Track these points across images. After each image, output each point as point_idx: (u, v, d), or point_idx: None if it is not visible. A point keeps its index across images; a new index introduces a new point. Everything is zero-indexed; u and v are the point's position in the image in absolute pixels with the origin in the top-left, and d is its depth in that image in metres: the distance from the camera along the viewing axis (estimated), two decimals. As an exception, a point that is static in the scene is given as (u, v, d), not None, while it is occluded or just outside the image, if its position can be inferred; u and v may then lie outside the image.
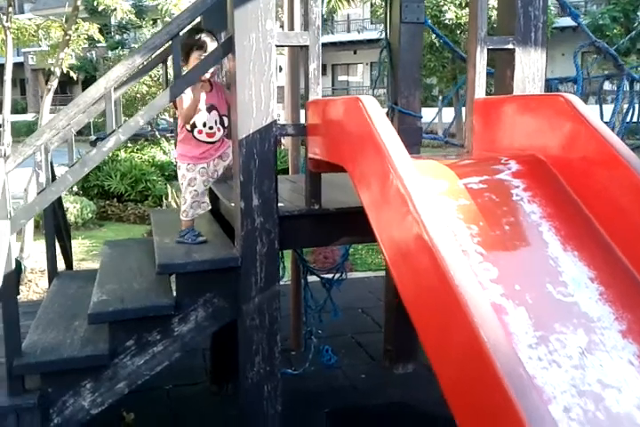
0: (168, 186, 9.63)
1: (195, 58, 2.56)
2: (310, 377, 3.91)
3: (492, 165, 1.99)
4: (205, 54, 2.48)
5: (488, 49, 2.41)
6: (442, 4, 13.87)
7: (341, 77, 30.65)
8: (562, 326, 1.52)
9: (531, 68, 2.48)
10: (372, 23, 26.31)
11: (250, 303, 2.56)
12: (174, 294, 2.57)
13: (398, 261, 1.59)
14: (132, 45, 14.21)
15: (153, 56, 2.53)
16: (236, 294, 2.56)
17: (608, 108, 4.28)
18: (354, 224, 2.60)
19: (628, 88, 3.09)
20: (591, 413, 1.35)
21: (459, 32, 13.91)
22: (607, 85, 4.49)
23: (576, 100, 1.89)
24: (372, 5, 21.00)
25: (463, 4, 14.09)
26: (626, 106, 3.38)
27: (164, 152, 13.14)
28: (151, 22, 14.09)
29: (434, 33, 3.61)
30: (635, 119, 3.79)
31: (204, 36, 2.57)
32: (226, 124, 2.71)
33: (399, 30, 3.12)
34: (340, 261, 4.40)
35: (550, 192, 1.89)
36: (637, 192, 1.66)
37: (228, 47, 2.27)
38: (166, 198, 8.93)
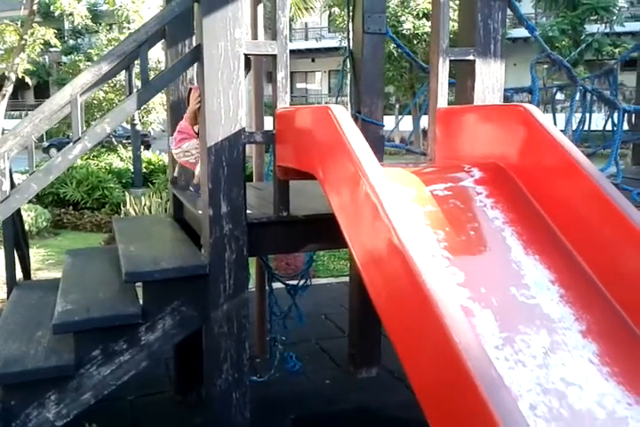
0: (126, 193, 9.48)
1: None
2: (275, 384, 3.90)
3: (456, 173, 2.05)
4: None
5: (450, 60, 2.49)
6: (400, 14, 14.12)
7: (300, 85, 30.76)
8: (526, 327, 1.59)
9: (490, 78, 2.57)
10: (329, 31, 26.52)
11: (218, 311, 2.55)
12: (140, 302, 2.55)
13: (370, 265, 1.63)
14: (88, 50, 13.96)
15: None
16: (204, 302, 2.56)
17: (559, 117, 4.44)
18: (322, 231, 2.65)
19: (580, 98, 3.23)
20: (555, 409, 1.41)
21: (416, 42, 14.18)
22: (559, 95, 4.67)
23: (535, 110, 1.98)
24: (330, 14, 21.19)
25: (420, 15, 14.37)
26: (578, 115, 3.53)
27: (122, 159, 12.93)
28: (108, 27, 13.88)
29: (395, 43, 3.70)
30: (586, 128, 3.96)
31: None
32: None
33: (362, 40, 3.18)
34: (304, 267, 4.42)
35: (511, 198, 1.96)
36: (594, 198, 1.75)
37: (195, 55, 2.28)
38: (124, 206, 8.78)
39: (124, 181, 11.20)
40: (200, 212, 2.65)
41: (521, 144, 2.03)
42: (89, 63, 13.13)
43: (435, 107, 2.49)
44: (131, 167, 11.76)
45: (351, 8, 3.26)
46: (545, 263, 1.75)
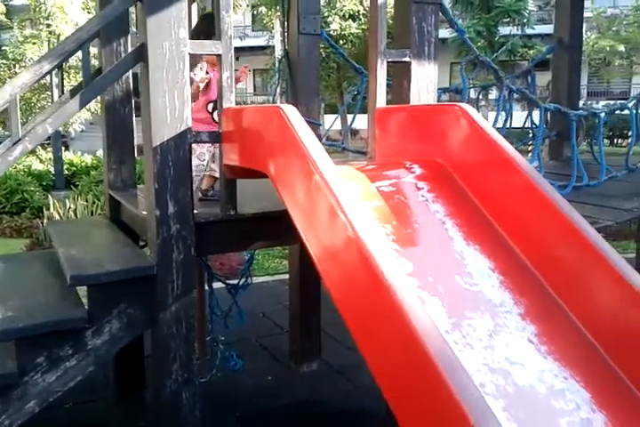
0: (49, 196, 9.10)
1: None
2: (218, 383, 3.90)
3: (399, 170, 2.16)
4: None
5: (387, 61, 2.60)
6: (327, 15, 14.30)
7: (223, 83, 30.37)
8: (471, 312, 1.71)
9: (425, 79, 2.70)
10: (253, 30, 26.40)
11: (167, 312, 2.55)
12: (85, 306, 2.51)
13: (326, 258, 1.69)
14: (2, 48, 13.25)
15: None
16: (151, 303, 2.54)
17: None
18: (269, 228, 2.70)
19: (506, 98, 3.44)
20: (502, 387, 1.54)
21: (342, 43, 14.40)
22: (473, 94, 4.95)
23: (470, 109, 2.12)
24: (253, 14, 21.11)
25: (347, 16, 14.60)
26: (503, 113, 3.75)
27: (41, 160, 12.38)
28: (23, 23, 13.23)
29: (329, 44, 3.79)
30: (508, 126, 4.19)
31: None
32: None
33: (297, 41, 3.25)
34: (245, 265, 4.44)
35: (451, 193, 2.09)
36: (527, 191, 1.90)
37: (139, 55, 2.27)
38: (47, 209, 8.44)
39: (44, 183, 10.73)
40: (145, 212, 2.63)
41: (458, 141, 2.16)
42: (4, 61, 12.49)
43: (374, 107, 2.59)
44: (51, 169, 11.30)
45: (285, 8, 3.32)
46: (485, 252, 1.89)
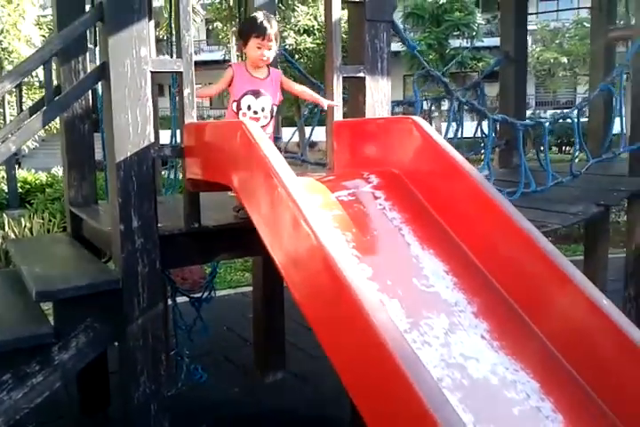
0: (3, 215, 8.90)
1: (253, 44, 2.57)
2: (184, 397, 3.92)
3: (357, 180, 2.27)
4: (264, 42, 2.55)
5: (342, 77, 2.72)
6: (282, 30, 14.55)
7: (180, 98, 30.21)
8: (428, 312, 1.82)
9: (379, 93, 2.83)
10: (208, 44, 26.43)
11: (133, 325, 2.57)
12: (50, 322, 2.52)
13: (291, 266, 1.77)
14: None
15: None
16: (117, 317, 2.57)
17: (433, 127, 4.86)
18: (232, 240, 2.76)
19: (457, 109, 3.61)
20: (458, 380, 1.64)
21: (298, 57, 14.63)
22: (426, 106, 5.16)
23: (422, 122, 2.25)
24: (208, 29, 21.15)
25: (301, 31, 14.85)
26: (454, 124, 3.93)
27: (-7, 177, 12.08)
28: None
29: (286, 60, 3.90)
30: (460, 135, 4.37)
31: (264, 22, 2.57)
32: (273, 114, 2.71)
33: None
34: (209, 278, 4.48)
35: (406, 201, 2.21)
36: (477, 198, 2.03)
37: (101, 73, 2.32)
38: (2, 229, 8.25)
39: (-3, 202, 10.48)
40: (109, 227, 2.66)
41: (411, 152, 2.29)
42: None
43: (332, 120, 2.70)
44: (4, 187, 11.03)
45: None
46: (439, 256, 2.00)
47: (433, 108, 5.61)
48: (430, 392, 1.29)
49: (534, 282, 1.88)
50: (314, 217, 1.67)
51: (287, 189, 1.70)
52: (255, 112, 2.63)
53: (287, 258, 1.78)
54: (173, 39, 3.31)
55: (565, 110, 4.41)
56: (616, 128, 4.69)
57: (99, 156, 3.30)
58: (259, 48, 2.58)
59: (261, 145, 1.86)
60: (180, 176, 4.72)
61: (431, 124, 4.19)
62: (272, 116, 2.72)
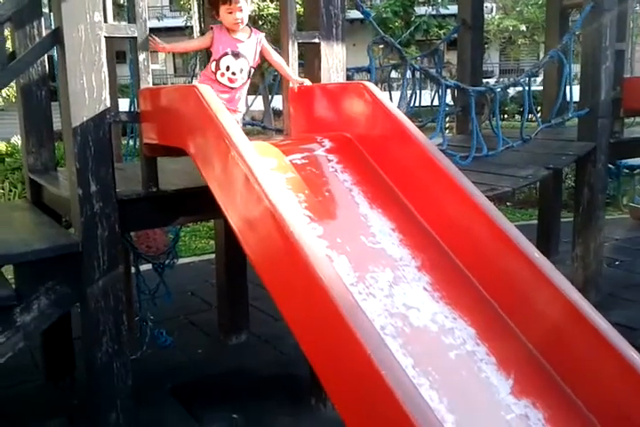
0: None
1: (224, 11, 2.56)
2: (149, 360, 4.02)
3: (310, 144, 2.35)
4: (233, 6, 2.53)
5: (298, 43, 2.77)
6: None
7: (141, 64, 29.45)
8: (374, 266, 1.93)
9: (334, 59, 2.89)
10: (171, 11, 25.71)
11: (94, 286, 2.64)
12: (12, 285, 2.57)
13: (245, 227, 1.86)
14: None
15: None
16: (78, 280, 2.63)
17: (394, 94, 4.93)
18: (191, 204, 2.83)
19: (410, 76, 3.68)
20: (400, 328, 1.77)
21: (261, 23, 14.42)
22: (393, 74, 5.20)
23: (372, 87, 2.32)
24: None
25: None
26: (409, 92, 4.00)
27: (-51, 149, 11.72)
28: None
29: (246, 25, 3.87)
30: (417, 104, 4.46)
31: None
32: (250, 76, 2.71)
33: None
34: (171, 244, 4.53)
35: (358, 163, 2.30)
36: (424, 161, 2.13)
37: (55, 38, 2.32)
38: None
39: (-51, 171, 10.19)
40: (68, 192, 2.69)
41: (362, 117, 2.37)
42: None
43: (287, 86, 2.76)
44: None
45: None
46: (386, 215, 2.12)
47: (395, 75, 5.65)
48: (368, 335, 1.40)
49: (475, 239, 2.01)
50: (265, 178, 1.75)
51: (239, 152, 1.77)
52: (233, 73, 2.66)
53: (241, 219, 1.86)
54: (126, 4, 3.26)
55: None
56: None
57: (58, 125, 3.29)
58: (230, 13, 2.59)
59: (214, 109, 1.91)
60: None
61: (391, 91, 4.27)
62: (248, 77, 2.75)
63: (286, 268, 1.70)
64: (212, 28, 2.73)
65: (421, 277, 1.94)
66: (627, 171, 5.95)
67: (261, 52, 2.76)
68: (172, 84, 23.50)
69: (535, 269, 1.80)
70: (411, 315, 1.80)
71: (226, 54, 2.65)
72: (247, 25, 2.70)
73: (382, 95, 2.33)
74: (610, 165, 5.22)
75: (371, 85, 2.35)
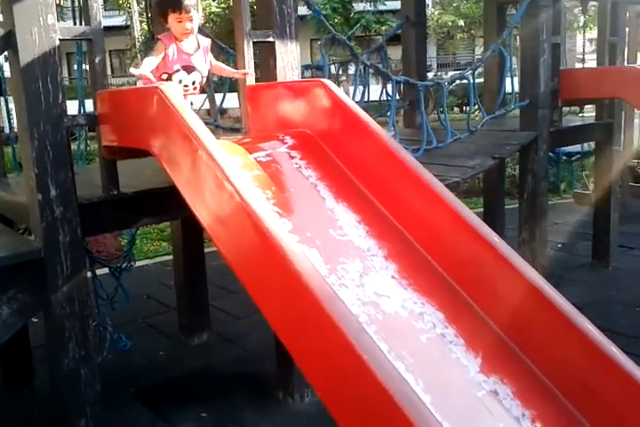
0: None
1: (173, 20, 2.49)
2: (109, 365, 3.95)
3: (273, 141, 2.40)
4: (183, 16, 2.48)
5: (253, 42, 2.80)
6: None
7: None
8: (344, 258, 2.00)
9: (289, 57, 2.93)
10: (106, 10, 25.02)
11: (58, 293, 2.60)
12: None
13: (217, 225, 1.88)
14: None
15: None
16: (41, 287, 2.59)
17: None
18: (151, 205, 2.83)
19: (362, 73, 3.77)
20: (373, 315, 1.85)
21: (204, 23, 14.27)
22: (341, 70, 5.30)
23: (330, 84, 2.39)
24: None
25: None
26: (361, 87, 4.09)
27: None
28: None
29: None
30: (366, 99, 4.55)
31: None
32: (202, 86, 2.70)
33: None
34: (127, 247, 4.48)
35: (320, 159, 2.37)
36: (384, 154, 2.21)
37: (7, 42, 2.27)
38: None
39: None
40: (25, 198, 2.64)
41: (321, 113, 2.43)
42: None
43: (244, 84, 2.79)
44: None
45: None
46: (351, 208, 2.19)
47: (341, 71, 5.73)
48: (348, 323, 1.47)
49: (437, 227, 2.10)
50: (235, 177, 1.78)
51: (208, 151, 1.80)
52: (186, 86, 2.65)
53: (212, 218, 1.89)
54: (73, 4, 3.20)
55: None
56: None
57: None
58: (179, 22, 2.55)
59: (179, 109, 1.93)
60: (89, 147, 4.64)
61: (339, 87, 4.34)
62: (200, 87, 2.76)
63: (262, 263, 1.74)
64: (159, 39, 2.66)
65: (389, 266, 2.02)
66: (565, 158, 6.24)
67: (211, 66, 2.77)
68: (111, 84, 22.91)
69: (496, 253, 1.91)
70: (382, 302, 1.88)
71: (179, 70, 2.63)
72: None
73: (340, 91, 2.40)
74: (550, 153, 5.47)
75: (328, 82, 2.41)
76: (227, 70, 2.84)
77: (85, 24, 2.39)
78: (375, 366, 1.38)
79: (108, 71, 26.71)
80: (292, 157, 2.34)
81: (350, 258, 2.00)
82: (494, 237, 1.92)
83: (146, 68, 2.47)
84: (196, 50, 2.68)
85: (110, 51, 26.44)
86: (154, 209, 2.84)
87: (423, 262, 2.07)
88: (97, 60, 2.42)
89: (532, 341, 1.83)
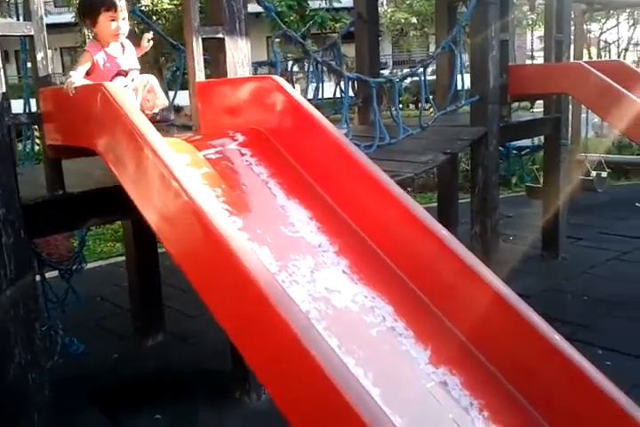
0: None
1: (105, 19, 2.38)
2: (61, 369, 3.86)
3: (223, 138, 2.38)
4: (117, 14, 2.37)
5: (202, 38, 2.76)
6: (138, -8, 13.78)
7: (29, 64, 27.73)
8: (295, 255, 2.00)
9: (239, 53, 2.90)
10: (55, 6, 24.36)
11: (2, 297, 2.52)
12: None
13: (165, 225, 1.85)
14: None
15: None
16: (-18, 291, 2.51)
17: (297, 88, 5.00)
18: (99, 205, 2.77)
19: (314, 69, 3.76)
20: (323, 311, 1.85)
21: (156, 18, 14.00)
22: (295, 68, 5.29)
23: (281, 81, 2.38)
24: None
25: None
26: (314, 85, 4.09)
27: None
28: None
29: (143, 22, 3.82)
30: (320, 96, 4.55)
31: None
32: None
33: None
34: (78, 248, 4.38)
35: (271, 156, 2.36)
36: (335, 151, 2.21)
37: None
38: None
39: None
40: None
41: (272, 110, 2.42)
42: None
43: (194, 81, 2.75)
44: None
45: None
46: (303, 204, 2.19)
47: (295, 69, 5.73)
48: (297, 319, 1.47)
49: (386, 222, 2.12)
50: (182, 174, 1.76)
51: (153, 149, 1.77)
52: (126, 85, 2.54)
53: (159, 217, 1.86)
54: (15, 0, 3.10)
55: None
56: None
57: None
58: (112, 21, 2.45)
59: (123, 107, 1.89)
60: (37, 147, 4.52)
61: (294, 85, 4.34)
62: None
63: (210, 261, 1.72)
64: (86, 50, 2.55)
65: (340, 262, 2.03)
66: (515, 152, 6.38)
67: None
68: (62, 83, 22.27)
69: (443, 246, 1.94)
70: (333, 298, 1.89)
71: (115, 76, 2.53)
72: None
73: (291, 88, 2.39)
74: (500, 148, 5.60)
75: (279, 79, 2.40)
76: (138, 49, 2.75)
77: (26, 20, 2.32)
78: (324, 363, 1.39)
79: (59, 69, 26.05)
80: (243, 155, 2.32)
81: (301, 254, 2.00)
82: (442, 231, 1.95)
83: (78, 78, 2.38)
84: (123, 53, 2.60)
85: (62, 48, 25.80)
86: (102, 209, 2.77)
87: (374, 257, 2.09)
88: (39, 58, 2.35)
89: (480, 331, 1.87)
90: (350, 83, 4.45)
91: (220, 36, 2.84)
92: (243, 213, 2.06)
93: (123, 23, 2.51)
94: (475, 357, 1.87)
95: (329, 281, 1.93)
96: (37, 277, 3.97)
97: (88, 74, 2.50)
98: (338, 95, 4.80)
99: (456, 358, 1.85)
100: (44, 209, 2.62)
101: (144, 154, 1.83)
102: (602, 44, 12.78)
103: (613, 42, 12.52)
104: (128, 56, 2.62)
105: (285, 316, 1.48)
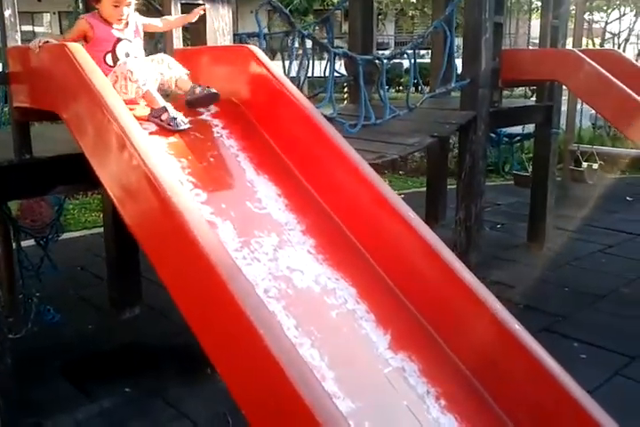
0: None
1: (109, 3, 2.23)
2: (35, 338, 3.83)
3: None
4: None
5: (181, 3, 2.66)
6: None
7: (25, 27, 27.29)
8: (259, 231, 1.94)
9: (220, 22, 2.80)
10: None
11: (-38, 261, 2.47)
12: None
13: (124, 196, 1.79)
14: None
15: None
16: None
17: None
18: (69, 172, 2.68)
19: (299, 44, 3.66)
20: (284, 290, 1.80)
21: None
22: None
23: (257, 51, 2.29)
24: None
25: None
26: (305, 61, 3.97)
27: None
28: None
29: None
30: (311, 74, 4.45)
31: None
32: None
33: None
34: (54, 216, 4.31)
35: (244, 129, 2.28)
36: (304, 122, 2.14)
37: None
38: None
39: None
40: None
41: (247, 80, 2.34)
42: None
43: (172, 48, 2.66)
44: None
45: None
46: (272, 181, 2.12)
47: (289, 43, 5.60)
48: (246, 296, 1.42)
49: (357, 203, 2.06)
50: (142, 142, 1.69)
51: (113, 114, 1.70)
52: (136, 57, 2.37)
53: (118, 187, 1.80)
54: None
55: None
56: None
57: None
58: (116, 6, 2.28)
59: (86, 69, 1.81)
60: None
61: (284, 60, 4.22)
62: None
63: (166, 235, 1.66)
64: (83, 18, 2.37)
65: (306, 241, 1.97)
66: (506, 139, 6.30)
67: (147, 28, 2.50)
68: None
69: (411, 230, 1.88)
70: (294, 277, 1.84)
71: (118, 41, 2.34)
72: None
73: (267, 59, 2.31)
74: (491, 134, 5.51)
75: (255, 49, 2.31)
76: (174, 21, 2.57)
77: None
78: (271, 342, 1.34)
79: (58, 32, 25.61)
80: (215, 126, 2.25)
81: (266, 231, 1.94)
82: (410, 213, 1.89)
83: (49, 37, 2.21)
84: (126, 26, 2.41)
85: (60, 12, 25.34)
86: (72, 176, 2.69)
87: (341, 237, 2.04)
88: (7, 15, 2.25)
89: (442, 317, 1.83)
90: (342, 60, 4.35)
91: (200, 1, 2.74)
92: (208, 187, 1.99)
93: (127, 10, 2.33)
94: (436, 344, 1.83)
95: (292, 260, 1.88)
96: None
97: (87, 42, 2.33)
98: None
99: (417, 344, 1.81)
100: (11, 173, 2.55)
101: (105, 119, 1.75)
102: (607, 35, 12.60)
103: (617, 33, 12.34)
104: (133, 32, 2.43)
105: (235, 292, 1.43)
